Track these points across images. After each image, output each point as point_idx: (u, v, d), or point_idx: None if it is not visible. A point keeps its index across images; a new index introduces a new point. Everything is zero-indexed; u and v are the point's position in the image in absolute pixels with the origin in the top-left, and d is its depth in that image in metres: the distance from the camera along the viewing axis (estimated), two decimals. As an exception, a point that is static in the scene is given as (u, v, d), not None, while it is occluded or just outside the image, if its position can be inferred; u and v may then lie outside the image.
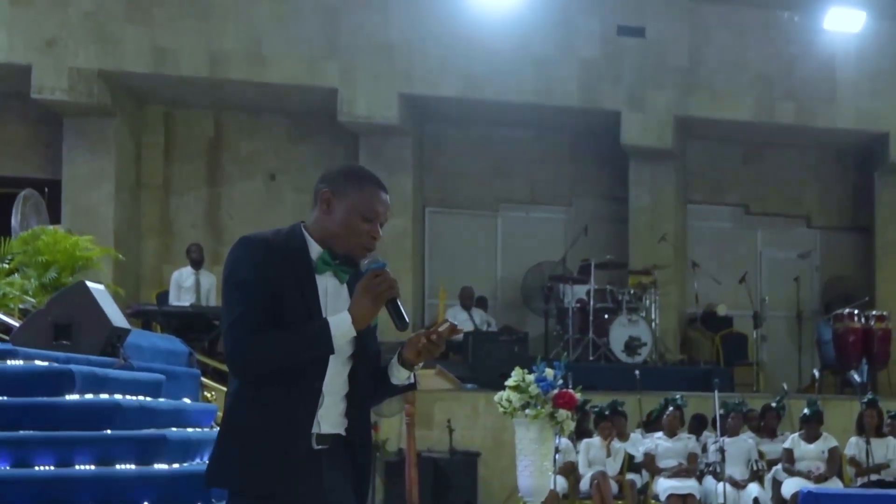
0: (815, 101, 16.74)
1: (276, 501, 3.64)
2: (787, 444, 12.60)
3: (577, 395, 9.45)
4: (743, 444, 12.58)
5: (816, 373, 15.95)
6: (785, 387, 14.24)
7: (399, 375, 3.81)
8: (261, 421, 3.64)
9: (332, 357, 3.68)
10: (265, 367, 3.63)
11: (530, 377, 9.20)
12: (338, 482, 3.75)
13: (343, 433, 3.77)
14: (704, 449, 12.71)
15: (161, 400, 8.10)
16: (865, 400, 12.83)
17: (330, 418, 3.72)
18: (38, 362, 7.46)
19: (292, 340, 3.60)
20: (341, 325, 3.60)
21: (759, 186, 18.15)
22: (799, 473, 12.29)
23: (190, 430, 7.87)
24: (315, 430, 3.68)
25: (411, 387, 3.86)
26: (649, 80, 16.43)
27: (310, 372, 3.65)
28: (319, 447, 3.70)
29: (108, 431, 6.90)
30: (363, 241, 3.73)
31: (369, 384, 3.84)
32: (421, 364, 3.79)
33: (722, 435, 12.22)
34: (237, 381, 3.71)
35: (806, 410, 12.67)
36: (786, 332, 17.83)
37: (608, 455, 12.35)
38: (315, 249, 3.73)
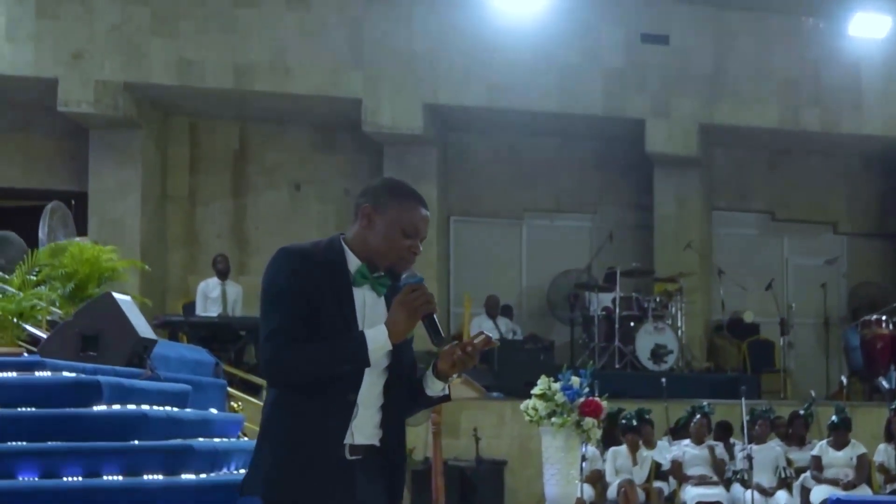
0: (841, 108, 16.68)
1: None
2: (815, 452, 12.54)
3: (604, 404, 9.42)
4: (771, 452, 12.54)
5: (844, 379, 15.88)
6: (812, 394, 14.18)
7: (434, 387, 3.83)
8: (294, 431, 3.68)
9: (367, 369, 3.71)
10: (301, 378, 3.66)
11: (556, 385, 9.17)
12: (371, 493, 3.77)
13: (378, 444, 3.80)
14: (732, 456, 12.67)
15: (188, 410, 8.12)
16: (894, 406, 12.77)
17: (364, 430, 3.75)
18: (65, 373, 7.48)
19: (329, 352, 3.64)
20: (378, 339, 3.63)
21: (785, 193, 18.08)
22: (827, 481, 12.23)
23: (217, 440, 7.88)
24: (348, 440, 3.71)
25: (445, 398, 3.90)
26: (674, 87, 16.41)
27: (344, 383, 3.69)
28: (353, 458, 3.72)
29: (135, 442, 6.92)
30: (403, 255, 3.76)
31: (404, 396, 3.86)
32: (455, 376, 3.81)
33: (749, 442, 12.18)
34: (274, 392, 3.76)
35: (834, 417, 12.60)
36: (813, 338, 17.75)
37: (634, 464, 12.31)
38: (353, 262, 3.76)
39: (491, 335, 3.84)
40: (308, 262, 3.70)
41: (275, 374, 3.69)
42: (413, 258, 3.79)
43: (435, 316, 3.70)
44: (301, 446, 3.66)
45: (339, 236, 3.82)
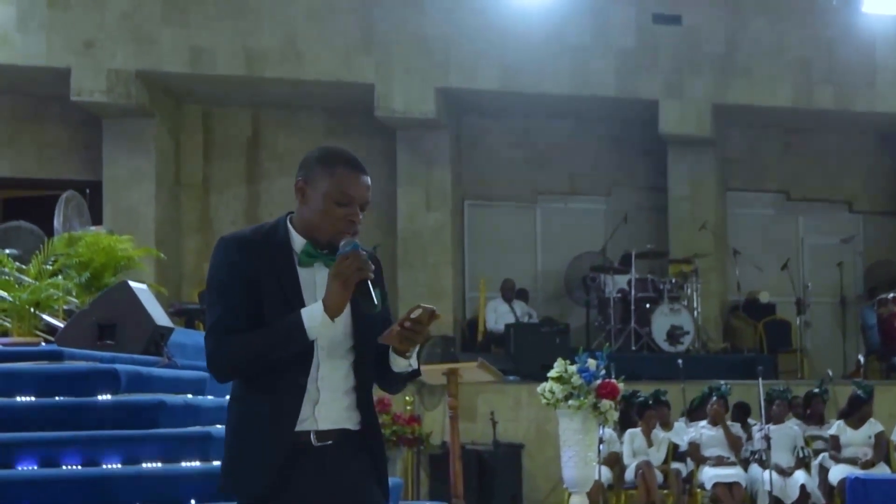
0: (855, 85, 16.57)
1: (270, 501, 3.58)
2: (832, 431, 12.53)
3: (621, 386, 9.43)
4: (788, 432, 12.52)
5: (861, 358, 15.84)
6: (829, 373, 14.15)
7: (397, 363, 3.66)
8: (247, 421, 3.61)
9: (324, 352, 3.60)
10: (243, 368, 3.58)
11: (573, 368, 9.18)
12: (347, 478, 3.65)
13: (354, 427, 3.69)
14: (749, 436, 12.67)
15: (205, 397, 8.15)
16: (912, 385, 12.74)
17: (330, 414, 3.63)
18: (83, 362, 7.52)
19: (266, 336, 3.52)
20: (314, 315, 3.49)
21: (800, 172, 18.01)
22: (845, 460, 12.21)
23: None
24: (311, 426, 3.60)
25: (415, 373, 3.73)
26: (686, 67, 16.34)
27: (293, 368, 3.57)
28: (321, 444, 3.62)
29: (154, 430, 6.95)
30: (340, 226, 3.59)
31: (373, 373, 3.74)
32: (412, 352, 3.63)
33: (767, 422, 12.17)
34: (233, 385, 3.69)
35: (855, 394, 12.57)
36: (830, 317, 17.70)
37: (649, 445, 12.31)
38: (298, 242, 3.65)
39: (434, 308, 3.58)
40: (245, 249, 3.60)
41: (217, 367, 3.60)
42: (353, 227, 3.61)
43: (370, 282, 3.53)
44: (254, 436, 3.57)
45: (287, 216, 3.72)
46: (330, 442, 3.63)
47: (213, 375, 3.68)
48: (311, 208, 3.63)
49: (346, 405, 3.68)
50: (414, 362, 3.69)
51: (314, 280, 3.63)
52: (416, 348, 3.65)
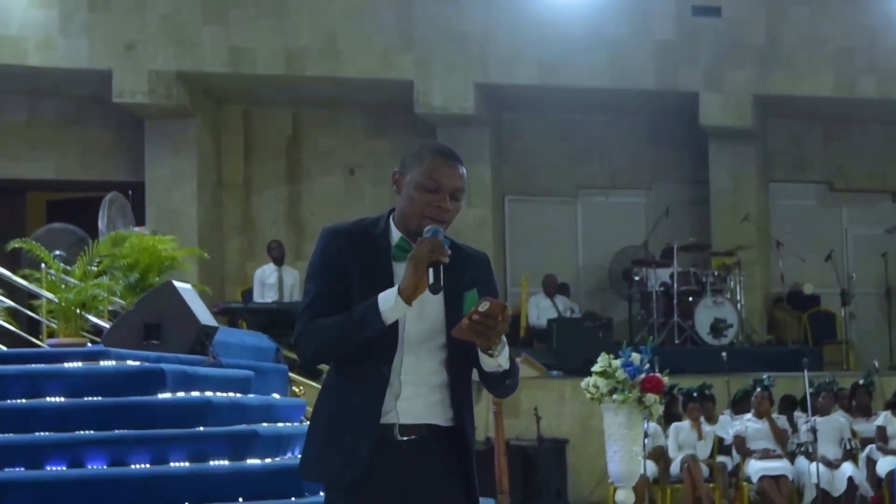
0: (898, 74, 16.43)
1: (353, 491, 3.56)
2: (879, 422, 12.44)
3: (665, 379, 9.38)
4: (835, 424, 12.43)
5: (908, 349, 15.70)
6: (875, 364, 14.04)
7: (486, 362, 3.59)
8: (332, 409, 3.61)
9: (409, 344, 3.59)
10: (322, 353, 3.62)
11: (616, 362, 9.14)
12: (428, 475, 3.62)
13: (445, 424, 3.64)
14: (795, 429, 12.59)
15: (251, 396, 8.20)
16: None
17: (413, 409, 3.60)
18: (129, 362, 7.58)
19: (344, 320, 3.52)
20: (388, 299, 3.47)
21: (843, 162, 17.88)
22: (893, 451, 12.12)
23: (280, 424, 7.96)
24: (394, 420, 3.58)
25: (507, 374, 3.65)
26: (727, 59, 16.24)
27: (377, 356, 3.56)
28: (404, 438, 3.59)
29: (201, 428, 6.99)
30: (429, 213, 3.57)
31: (470, 372, 3.69)
32: (498, 350, 3.54)
33: (813, 414, 12.09)
34: (326, 373, 3.72)
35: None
36: (875, 308, 17.57)
37: (700, 438, 12.25)
38: (395, 236, 3.65)
39: (505, 303, 3.48)
40: (341, 239, 3.63)
41: (300, 349, 3.64)
42: (442, 214, 3.57)
43: (441, 267, 3.45)
44: (343, 426, 3.57)
45: (390, 211, 3.73)
46: (414, 437, 3.61)
47: (299, 358, 3.75)
48: (402, 197, 3.64)
49: (433, 401, 3.64)
50: (503, 361, 3.60)
51: None
52: (504, 347, 3.58)
